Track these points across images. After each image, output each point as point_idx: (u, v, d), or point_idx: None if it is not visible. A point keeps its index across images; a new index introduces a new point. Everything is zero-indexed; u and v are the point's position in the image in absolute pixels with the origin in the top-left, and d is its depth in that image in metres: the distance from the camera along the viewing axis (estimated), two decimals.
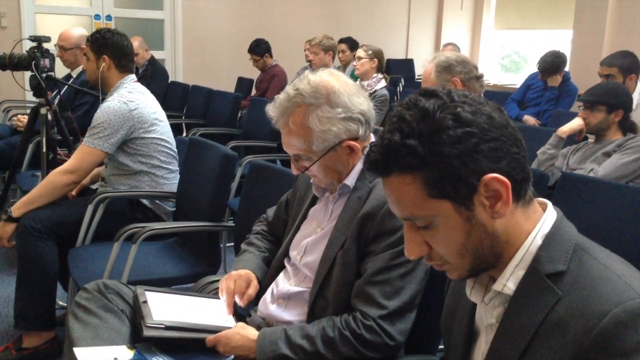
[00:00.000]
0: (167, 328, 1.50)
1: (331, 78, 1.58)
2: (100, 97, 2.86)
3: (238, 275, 1.74)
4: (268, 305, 1.71)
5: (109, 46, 2.75)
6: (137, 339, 1.60)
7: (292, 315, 1.65)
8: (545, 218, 1.00)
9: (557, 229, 0.98)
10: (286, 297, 1.68)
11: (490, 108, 0.96)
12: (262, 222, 2.01)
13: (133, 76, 2.84)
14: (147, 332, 1.48)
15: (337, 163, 1.60)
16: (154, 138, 2.75)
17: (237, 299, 1.70)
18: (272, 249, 1.91)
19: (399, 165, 0.94)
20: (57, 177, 2.60)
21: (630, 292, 0.87)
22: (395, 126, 0.95)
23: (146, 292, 1.64)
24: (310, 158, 1.59)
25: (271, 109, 1.60)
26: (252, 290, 1.73)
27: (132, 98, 2.69)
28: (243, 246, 1.94)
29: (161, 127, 2.78)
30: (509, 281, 0.98)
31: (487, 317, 1.05)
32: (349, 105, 1.55)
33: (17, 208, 2.56)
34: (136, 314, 1.58)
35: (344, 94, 1.55)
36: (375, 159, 0.96)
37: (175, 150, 2.88)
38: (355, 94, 1.58)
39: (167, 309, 1.60)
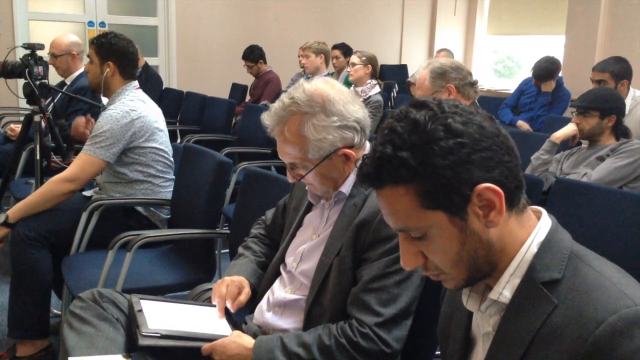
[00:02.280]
0: (163, 337, 1.50)
1: (326, 86, 1.58)
2: (102, 105, 2.85)
3: (230, 281, 1.75)
4: (264, 313, 1.70)
5: (115, 52, 2.73)
6: (132, 347, 1.60)
7: (288, 322, 1.65)
8: (540, 226, 1.00)
9: (552, 236, 0.99)
10: (282, 304, 1.68)
11: (481, 117, 0.97)
12: (261, 225, 2.02)
13: (136, 83, 2.83)
14: (142, 341, 1.48)
15: (333, 171, 1.60)
16: (152, 148, 2.74)
17: (228, 305, 1.70)
18: (268, 252, 1.91)
19: (391, 177, 0.94)
20: (56, 184, 2.58)
21: (625, 300, 0.87)
22: (386, 138, 0.95)
23: (141, 301, 1.64)
24: (305, 166, 1.59)
25: (266, 118, 1.60)
26: (244, 297, 1.73)
27: (134, 107, 2.68)
28: (240, 249, 1.94)
29: (160, 136, 2.78)
30: (504, 289, 0.98)
31: (484, 326, 1.05)
32: (344, 113, 1.55)
33: (14, 213, 2.54)
34: (131, 322, 1.58)
35: (339, 102, 1.55)
36: (368, 171, 0.97)
37: (172, 159, 2.88)
38: (350, 102, 1.58)
39: (162, 317, 1.59)
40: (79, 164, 2.60)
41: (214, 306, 1.72)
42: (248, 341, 1.54)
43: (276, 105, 1.58)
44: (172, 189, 2.85)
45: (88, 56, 2.80)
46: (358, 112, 1.58)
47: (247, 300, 1.74)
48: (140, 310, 1.57)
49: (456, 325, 1.13)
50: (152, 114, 2.75)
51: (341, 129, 1.55)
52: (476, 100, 2.78)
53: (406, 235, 1.00)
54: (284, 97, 1.58)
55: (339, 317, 1.54)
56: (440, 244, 0.96)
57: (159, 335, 1.49)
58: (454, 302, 1.16)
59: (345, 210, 1.60)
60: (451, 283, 1.02)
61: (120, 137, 2.61)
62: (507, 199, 0.94)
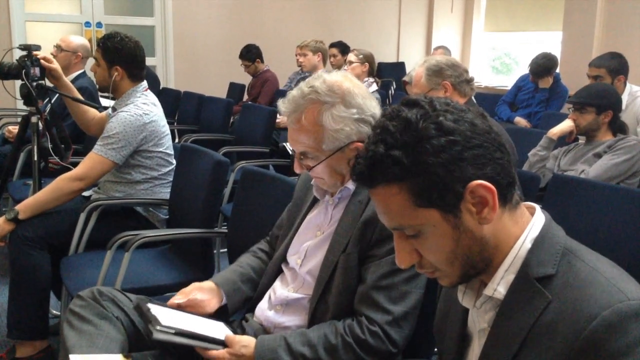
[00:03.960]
0: (177, 334, 1.49)
1: (345, 79, 1.59)
2: (100, 106, 2.89)
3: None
4: (265, 312, 1.70)
5: (122, 57, 2.73)
6: (132, 347, 1.60)
7: (290, 321, 1.65)
8: (533, 222, 1.01)
9: (546, 232, 0.99)
10: (284, 303, 1.67)
11: (473, 115, 0.97)
12: (263, 241, 1.98)
13: (145, 84, 2.84)
14: (157, 335, 1.45)
15: (343, 164, 1.59)
16: (160, 152, 2.76)
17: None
18: (257, 265, 1.88)
19: (384, 176, 0.94)
20: (65, 183, 2.58)
21: (618, 294, 0.88)
22: (379, 137, 0.96)
23: (148, 304, 1.63)
24: (316, 157, 1.58)
25: (283, 104, 1.59)
26: (199, 296, 1.72)
27: (148, 110, 2.69)
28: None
29: (167, 140, 2.80)
30: (499, 286, 0.99)
31: (479, 322, 1.06)
32: (363, 107, 1.56)
33: (24, 210, 2.54)
34: (143, 319, 1.55)
35: (359, 96, 1.56)
36: (361, 170, 0.97)
37: (174, 161, 2.89)
38: (368, 98, 1.59)
39: (170, 318, 1.58)
40: (89, 164, 2.61)
41: (213, 319, 1.71)
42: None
43: (294, 92, 1.58)
44: (168, 191, 2.85)
45: (95, 58, 2.81)
46: (375, 107, 1.59)
47: (199, 297, 1.73)
48: (150, 310, 1.56)
49: (452, 321, 1.14)
50: (162, 117, 2.78)
51: (358, 122, 1.55)
52: (473, 97, 2.78)
53: (400, 234, 1.00)
54: (302, 86, 1.58)
55: (342, 314, 1.53)
56: (435, 241, 0.97)
57: (173, 331, 1.48)
58: (449, 298, 1.16)
59: (351, 207, 1.60)
60: (446, 280, 1.02)
61: (132, 140, 2.63)
62: (499, 195, 0.95)
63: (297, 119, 1.56)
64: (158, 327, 1.47)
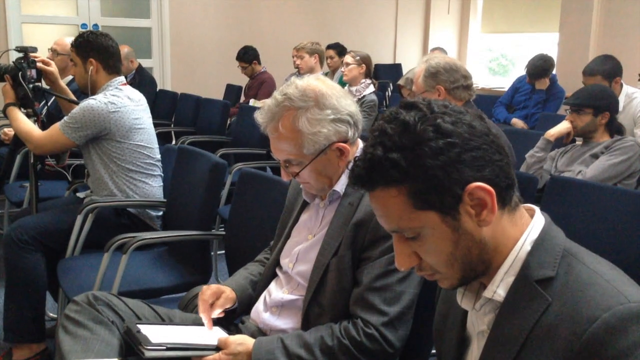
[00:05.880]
0: (168, 349, 1.48)
1: (318, 82, 1.59)
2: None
3: (207, 288, 1.72)
4: (261, 314, 1.70)
5: (94, 48, 2.74)
6: (128, 351, 1.59)
7: (286, 323, 1.65)
8: (533, 224, 1.00)
9: (546, 234, 0.99)
10: (279, 305, 1.67)
11: (471, 117, 0.97)
12: (266, 252, 1.98)
13: (122, 78, 2.83)
14: (148, 354, 1.45)
15: (328, 166, 1.59)
16: (130, 144, 2.73)
17: (204, 318, 1.67)
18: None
19: (383, 179, 0.94)
20: (34, 135, 2.72)
21: (619, 296, 0.87)
22: (377, 140, 0.95)
23: (138, 325, 1.61)
24: (300, 163, 1.58)
25: (260, 115, 1.60)
26: (222, 300, 1.70)
27: (115, 101, 2.67)
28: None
29: (140, 133, 2.76)
30: (499, 288, 0.99)
31: (479, 324, 1.05)
32: (337, 106, 1.56)
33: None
34: (133, 342, 1.54)
35: (332, 97, 1.56)
36: (360, 173, 0.97)
37: (158, 157, 2.87)
38: (342, 97, 1.59)
39: (162, 334, 1.57)
40: (51, 133, 2.70)
41: (203, 325, 1.70)
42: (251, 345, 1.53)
43: (269, 102, 1.58)
44: (158, 186, 2.86)
45: (71, 59, 2.81)
46: (351, 106, 1.59)
47: (227, 303, 1.72)
48: (139, 332, 1.55)
49: (451, 323, 1.14)
50: (133, 110, 2.73)
51: (335, 122, 1.55)
52: (471, 100, 2.77)
53: (400, 236, 1.00)
54: (276, 94, 1.58)
55: (339, 316, 1.54)
56: (434, 244, 0.97)
57: (164, 348, 1.48)
58: (449, 300, 1.16)
59: (341, 209, 1.60)
60: (446, 282, 1.02)
61: (89, 125, 2.62)
62: (498, 197, 0.95)
63: (274, 127, 1.57)
64: (148, 347, 1.46)
